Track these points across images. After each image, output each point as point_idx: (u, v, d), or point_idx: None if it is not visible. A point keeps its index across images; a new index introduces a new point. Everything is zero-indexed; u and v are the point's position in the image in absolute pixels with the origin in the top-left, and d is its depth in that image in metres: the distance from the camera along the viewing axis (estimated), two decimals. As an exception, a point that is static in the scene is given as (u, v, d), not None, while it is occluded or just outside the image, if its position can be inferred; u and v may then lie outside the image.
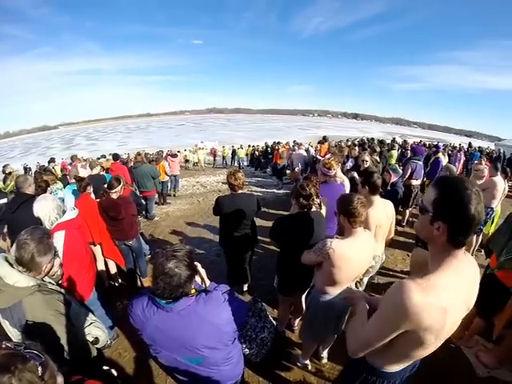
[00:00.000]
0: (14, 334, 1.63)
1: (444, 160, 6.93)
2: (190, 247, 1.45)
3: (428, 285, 1.08)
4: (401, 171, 6.17)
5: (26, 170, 16.66)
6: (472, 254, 4.86)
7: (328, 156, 5.05)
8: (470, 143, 18.20)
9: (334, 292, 2.25)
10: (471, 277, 1.19)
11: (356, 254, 2.12)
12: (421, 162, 6.48)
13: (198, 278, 1.59)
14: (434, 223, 1.10)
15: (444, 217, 1.08)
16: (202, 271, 1.60)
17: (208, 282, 1.63)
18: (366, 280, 2.86)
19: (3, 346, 0.96)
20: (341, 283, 2.21)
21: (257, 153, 19.60)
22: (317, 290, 2.37)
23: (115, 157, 8.19)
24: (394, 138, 17.54)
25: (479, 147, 18.62)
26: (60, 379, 1.04)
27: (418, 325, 1.08)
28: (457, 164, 11.07)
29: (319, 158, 4.96)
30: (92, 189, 4.12)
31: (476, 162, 11.39)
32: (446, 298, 1.08)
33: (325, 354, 2.93)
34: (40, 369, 0.94)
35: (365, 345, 1.30)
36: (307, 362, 2.88)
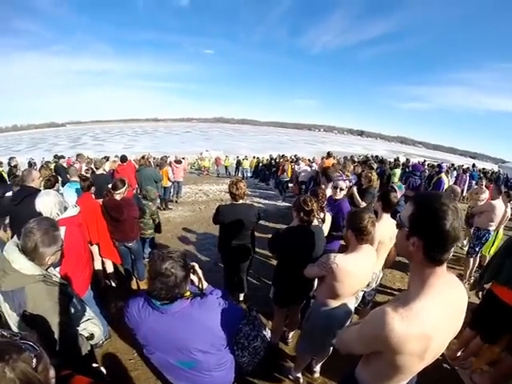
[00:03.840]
0: (13, 318, 1.65)
1: (446, 180, 6.98)
2: (183, 250, 1.48)
3: (411, 314, 1.05)
4: (404, 189, 6.23)
5: (31, 164, 16.70)
6: (470, 276, 4.87)
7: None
8: (473, 164, 18.30)
9: (334, 304, 2.26)
10: (456, 298, 1.15)
11: (359, 269, 2.13)
12: (417, 177, 7.11)
13: (195, 279, 1.60)
14: (410, 238, 1.10)
15: (419, 232, 1.08)
16: (199, 271, 1.61)
17: (205, 284, 1.65)
18: (361, 295, 2.85)
19: None
20: (342, 297, 2.22)
21: (261, 165, 19.62)
22: (318, 302, 2.37)
23: (123, 159, 8.17)
24: (398, 157, 17.61)
25: (483, 169, 18.69)
26: (52, 372, 1.04)
27: (398, 352, 1.07)
28: (462, 185, 11.06)
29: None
30: (94, 189, 4.15)
31: (475, 185, 11.42)
32: (430, 324, 1.05)
33: (317, 368, 2.91)
34: (34, 360, 0.94)
35: (346, 347, 1.35)
36: (299, 375, 2.85)
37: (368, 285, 2.64)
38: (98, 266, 4.08)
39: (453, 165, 18.56)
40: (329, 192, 3.79)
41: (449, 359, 3.12)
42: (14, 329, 1.67)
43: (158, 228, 5.22)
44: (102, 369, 1.83)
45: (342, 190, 3.72)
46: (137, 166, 8.41)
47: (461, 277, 4.91)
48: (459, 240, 1.07)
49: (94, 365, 1.88)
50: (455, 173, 13.41)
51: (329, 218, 3.33)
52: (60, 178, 5.25)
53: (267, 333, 1.77)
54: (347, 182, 3.99)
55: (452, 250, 1.09)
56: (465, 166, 17.90)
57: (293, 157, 15.91)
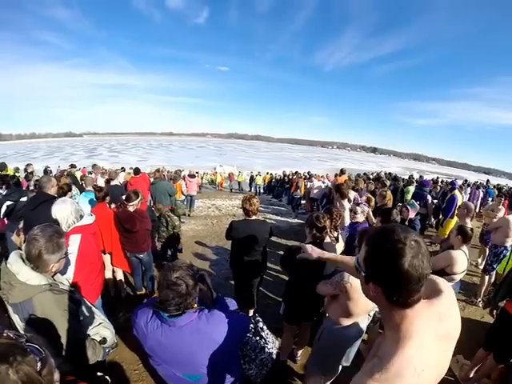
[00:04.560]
0: (23, 328, 1.64)
1: (460, 197, 6.89)
2: (189, 262, 1.50)
3: (389, 376, 0.86)
4: (418, 206, 6.16)
5: (47, 171, 16.97)
6: (485, 294, 4.77)
7: (355, 194, 5.16)
8: (488, 180, 18.00)
9: (347, 323, 2.22)
10: (446, 332, 0.97)
11: None
12: (426, 193, 7.43)
13: (204, 287, 1.60)
14: (368, 284, 0.96)
15: (375, 277, 0.94)
16: (209, 281, 1.62)
17: (214, 294, 1.65)
18: (372, 314, 2.78)
19: (4, 334, 0.96)
20: (355, 315, 2.19)
21: (274, 181, 19.65)
22: (330, 320, 2.34)
23: (136, 171, 8.21)
24: (412, 175, 17.50)
25: (498, 184, 18.38)
26: (57, 376, 1.03)
27: None
28: (475, 202, 10.91)
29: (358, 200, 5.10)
30: (109, 199, 4.20)
31: (491, 202, 11.18)
32: (415, 376, 0.86)
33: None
34: (39, 364, 0.93)
35: None
36: None
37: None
38: (108, 275, 4.10)
39: (466, 181, 18.32)
40: (346, 213, 3.83)
41: (461, 380, 3.02)
42: None
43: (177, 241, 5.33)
44: (107, 377, 1.82)
45: (356, 213, 3.74)
46: (151, 179, 8.48)
47: (475, 295, 4.84)
48: (425, 278, 0.88)
49: (99, 373, 1.87)
50: (469, 189, 13.21)
51: (342, 238, 3.32)
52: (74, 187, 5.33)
53: (274, 344, 1.74)
54: (364, 206, 4.00)
55: (422, 290, 0.91)
56: (479, 182, 17.67)
57: (306, 173, 15.90)
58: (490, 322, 3.67)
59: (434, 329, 0.94)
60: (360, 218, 3.83)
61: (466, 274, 3.44)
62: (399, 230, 0.91)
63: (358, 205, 4.01)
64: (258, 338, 1.64)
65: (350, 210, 3.89)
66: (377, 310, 2.76)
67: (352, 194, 5.83)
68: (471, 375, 3.02)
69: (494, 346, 2.79)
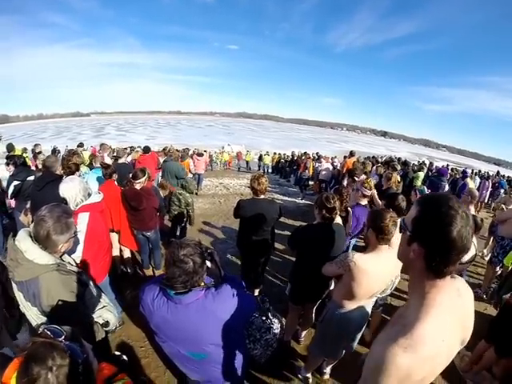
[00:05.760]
0: (27, 307, 1.66)
1: (472, 185, 6.78)
2: (198, 239, 1.49)
3: (413, 342, 0.90)
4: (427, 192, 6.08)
5: (55, 151, 17.08)
6: (489, 286, 4.72)
7: (363, 177, 5.07)
8: (498, 172, 17.75)
9: (351, 307, 2.21)
10: (462, 308, 1.03)
11: (377, 270, 2.07)
12: (443, 183, 6.94)
13: (212, 265, 1.58)
14: (411, 244, 0.98)
15: (421, 238, 0.95)
16: (217, 259, 1.60)
17: (222, 272, 1.63)
18: (374, 299, 2.71)
19: (41, 329, 0.93)
20: (359, 298, 2.17)
21: (282, 161, 19.56)
22: (334, 302, 2.33)
23: (146, 149, 8.24)
24: (423, 161, 17.26)
25: (508, 177, 18.12)
26: (95, 366, 1.00)
27: (413, 380, 0.93)
28: (484, 192, 10.77)
29: (356, 179, 5.02)
30: (117, 176, 4.19)
31: (503, 193, 10.99)
32: (436, 345, 0.92)
33: (328, 369, 2.86)
34: (81, 367, 0.90)
35: None
36: (309, 375, 2.81)
37: (383, 291, 2.55)
38: (115, 252, 4.13)
39: (479, 171, 18.05)
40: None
41: (461, 371, 3.00)
42: (29, 318, 1.68)
43: (189, 220, 5.37)
44: (124, 357, 1.84)
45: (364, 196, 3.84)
46: (160, 159, 8.49)
47: (479, 286, 4.79)
48: (467, 251, 0.92)
49: (117, 353, 1.90)
50: (478, 179, 13.00)
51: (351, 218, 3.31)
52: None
53: (280, 325, 1.74)
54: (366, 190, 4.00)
55: (457, 264, 0.95)
56: (488, 173, 17.40)
57: (314, 154, 15.77)
58: (492, 314, 3.65)
59: (454, 303, 0.99)
60: (362, 200, 3.88)
61: (472, 264, 3.40)
62: (454, 199, 0.95)
63: (357, 190, 4.03)
64: (263, 318, 1.63)
65: (357, 190, 3.87)
66: (379, 296, 2.72)
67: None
68: (472, 367, 3.00)
69: (495, 339, 2.76)
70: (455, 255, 0.91)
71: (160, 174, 7.75)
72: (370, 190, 3.81)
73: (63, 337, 0.94)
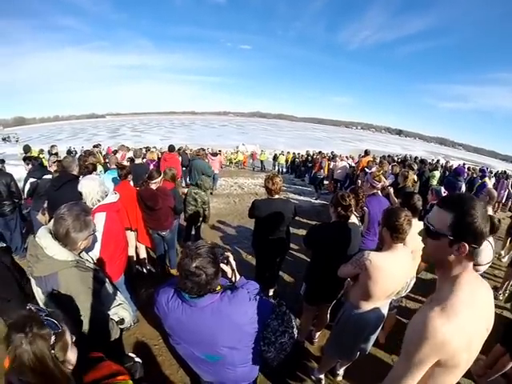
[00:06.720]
0: (44, 302, 1.68)
1: (490, 185, 6.60)
2: (212, 242, 1.47)
3: (449, 308, 1.05)
4: (444, 194, 5.94)
5: (71, 151, 17.36)
6: (506, 288, 4.59)
7: (374, 169, 5.02)
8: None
9: (367, 307, 2.18)
10: (486, 297, 1.17)
11: (393, 269, 2.05)
12: (461, 182, 6.74)
13: (228, 270, 1.57)
14: (454, 245, 1.09)
15: (464, 239, 1.07)
16: (233, 263, 1.59)
17: (238, 276, 1.62)
18: (389, 301, 2.63)
19: (27, 307, 1.01)
20: (375, 298, 2.14)
21: (297, 160, 19.49)
22: (350, 304, 2.30)
23: (171, 148, 8.71)
24: (438, 160, 16.96)
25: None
26: (71, 355, 1.05)
27: (449, 351, 1.02)
28: (502, 192, 10.49)
29: (367, 170, 4.97)
30: (132, 177, 4.24)
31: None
32: (467, 316, 1.05)
33: (341, 371, 2.84)
34: (53, 338, 0.97)
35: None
36: (322, 376, 2.80)
37: (398, 293, 2.49)
38: (131, 252, 4.17)
39: (497, 172, 17.65)
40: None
41: (475, 375, 2.90)
42: None
43: (205, 218, 5.42)
44: (137, 359, 1.85)
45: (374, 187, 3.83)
46: (179, 158, 8.74)
47: (495, 289, 4.62)
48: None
49: (131, 354, 1.91)
50: (493, 179, 12.63)
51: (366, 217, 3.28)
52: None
53: (296, 329, 1.72)
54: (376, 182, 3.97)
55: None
56: (508, 172, 16.98)
57: (329, 154, 15.66)
58: (510, 317, 3.56)
59: (480, 285, 1.16)
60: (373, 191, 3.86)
61: (490, 266, 3.31)
62: (473, 197, 1.16)
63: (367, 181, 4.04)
64: (279, 321, 1.61)
65: (367, 181, 3.87)
66: (394, 297, 2.65)
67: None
68: (486, 372, 2.90)
69: (510, 343, 2.68)
70: (483, 240, 1.09)
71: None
72: (379, 181, 3.76)
73: (45, 314, 1.01)
